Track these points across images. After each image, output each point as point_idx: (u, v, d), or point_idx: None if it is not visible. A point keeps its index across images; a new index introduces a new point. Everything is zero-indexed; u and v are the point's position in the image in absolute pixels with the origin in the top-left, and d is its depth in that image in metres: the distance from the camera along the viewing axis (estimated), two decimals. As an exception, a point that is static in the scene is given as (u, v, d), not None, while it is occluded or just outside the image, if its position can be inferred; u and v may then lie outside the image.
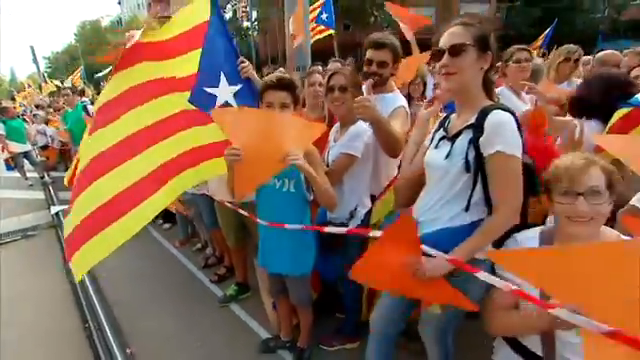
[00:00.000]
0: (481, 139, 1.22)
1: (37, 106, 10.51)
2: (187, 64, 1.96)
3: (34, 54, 24.67)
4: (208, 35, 1.95)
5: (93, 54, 42.37)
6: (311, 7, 6.48)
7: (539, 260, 0.96)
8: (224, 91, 2.00)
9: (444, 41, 1.30)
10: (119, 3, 58.44)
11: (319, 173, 1.69)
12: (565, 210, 1.14)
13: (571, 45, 3.41)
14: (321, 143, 1.99)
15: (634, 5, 23.40)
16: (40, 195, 6.86)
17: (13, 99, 18.08)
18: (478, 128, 1.23)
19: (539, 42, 7.30)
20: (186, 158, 2.01)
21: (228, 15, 29.00)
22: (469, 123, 1.28)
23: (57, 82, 18.86)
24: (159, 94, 1.94)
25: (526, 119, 1.90)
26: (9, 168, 8.10)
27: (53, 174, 8.15)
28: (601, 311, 0.86)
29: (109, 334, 2.61)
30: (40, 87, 19.98)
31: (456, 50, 1.25)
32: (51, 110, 9.52)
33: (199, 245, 3.96)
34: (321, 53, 6.70)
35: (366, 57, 1.98)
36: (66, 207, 5.24)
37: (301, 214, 1.88)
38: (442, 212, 1.35)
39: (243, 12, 27.90)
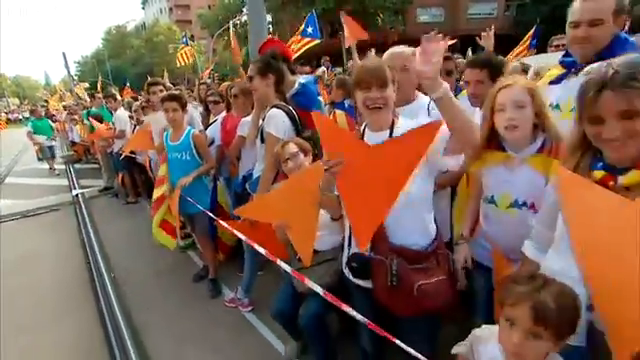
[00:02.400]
0: None
1: (65, 107, 11.97)
2: None
3: (65, 60, 26.57)
4: None
5: (118, 57, 44.86)
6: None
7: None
8: None
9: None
10: (143, 8, 61.13)
11: None
12: None
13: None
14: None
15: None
16: (64, 182, 8.08)
17: (47, 102, 19.96)
18: None
19: (524, 46, 7.66)
20: None
21: (244, 18, 30.07)
22: None
23: (86, 84, 20.55)
24: None
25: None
26: (39, 160, 9.92)
27: (77, 166, 9.60)
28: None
29: (105, 274, 3.55)
30: (71, 91, 21.70)
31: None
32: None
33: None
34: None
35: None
36: (85, 190, 6.39)
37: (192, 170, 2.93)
38: None
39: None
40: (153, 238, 3.24)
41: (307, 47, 6.94)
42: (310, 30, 6.75)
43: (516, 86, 1.41)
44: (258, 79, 2.33)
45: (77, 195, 6.51)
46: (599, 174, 0.98)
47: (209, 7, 43.58)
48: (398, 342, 1.20)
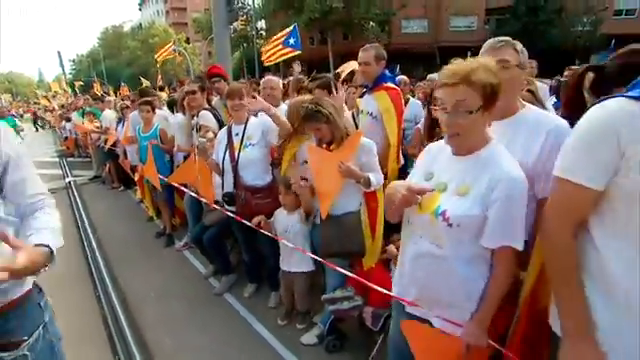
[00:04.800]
0: None
1: (62, 106, 13.03)
2: None
3: (60, 58, 27.54)
4: None
5: (114, 57, 45.88)
6: (280, 34, 7.68)
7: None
8: None
9: None
10: (140, 9, 62.20)
11: None
12: None
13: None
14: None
15: (613, 20, 24.53)
16: (59, 171, 9.16)
17: (45, 96, 20.83)
18: None
19: None
20: None
21: (235, 24, 31.23)
22: None
23: (80, 83, 21.58)
24: None
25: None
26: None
27: (70, 159, 10.65)
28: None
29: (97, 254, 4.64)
30: (66, 88, 22.69)
31: None
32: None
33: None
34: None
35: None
36: (76, 178, 7.49)
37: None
38: None
39: (242, 20, 29.62)
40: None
41: (286, 57, 7.48)
42: (292, 41, 7.21)
43: None
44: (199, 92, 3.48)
45: (69, 182, 7.60)
46: None
47: (205, 10, 44.89)
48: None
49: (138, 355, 2.47)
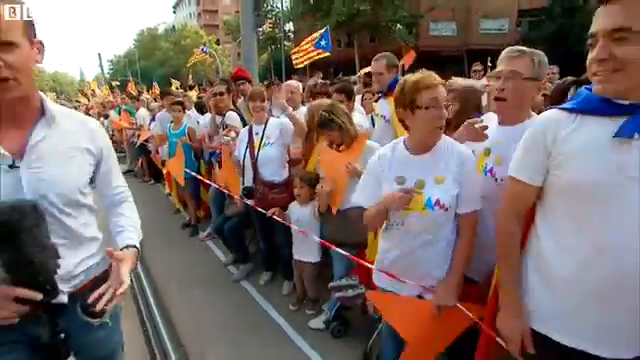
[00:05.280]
0: None
1: (101, 104, 13.91)
2: None
3: (100, 59, 29.22)
4: None
5: (148, 58, 47.95)
6: (312, 36, 7.93)
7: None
8: None
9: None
10: (174, 12, 64.66)
11: None
12: None
13: None
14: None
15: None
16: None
17: (84, 94, 22.17)
18: None
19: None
20: None
21: (264, 26, 31.95)
22: None
23: (117, 82, 22.82)
24: None
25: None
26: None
27: None
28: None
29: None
30: (107, 87, 24.08)
31: None
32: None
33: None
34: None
35: None
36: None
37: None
38: None
39: (270, 23, 30.16)
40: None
41: (316, 58, 7.68)
42: (323, 43, 7.45)
43: None
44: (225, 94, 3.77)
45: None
46: None
47: (235, 12, 46.14)
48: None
49: (163, 329, 2.77)
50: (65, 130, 1.15)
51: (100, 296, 1.09)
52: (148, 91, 13.10)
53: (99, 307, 1.08)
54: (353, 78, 9.32)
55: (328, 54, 7.53)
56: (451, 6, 26.11)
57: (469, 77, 6.23)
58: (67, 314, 1.16)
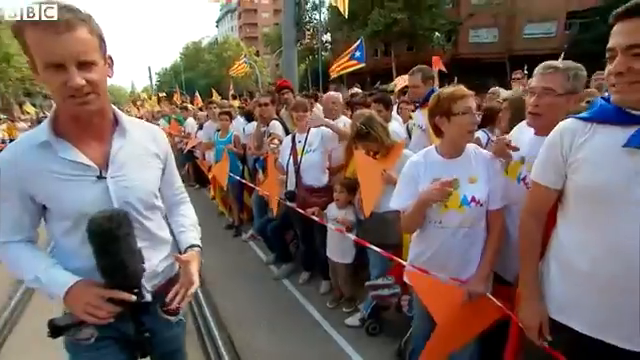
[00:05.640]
0: None
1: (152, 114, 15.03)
2: None
3: (150, 72, 31.40)
4: None
5: (192, 70, 50.64)
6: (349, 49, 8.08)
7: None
8: None
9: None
10: (217, 26, 67.97)
11: None
12: None
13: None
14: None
15: None
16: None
17: (134, 104, 23.92)
18: None
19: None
20: None
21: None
22: None
23: (163, 94, 24.43)
24: None
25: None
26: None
27: None
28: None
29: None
30: (150, 97, 25.80)
31: None
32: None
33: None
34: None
35: None
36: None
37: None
38: None
39: (308, 34, 30.80)
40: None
41: (351, 69, 7.86)
42: (358, 54, 7.60)
43: None
44: (270, 105, 4.07)
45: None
46: None
47: (274, 24, 47.76)
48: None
49: (210, 317, 3.03)
50: (136, 138, 1.21)
51: (175, 295, 1.18)
52: (191, 102, 13.97)
53: (174, 305, 1.17)
54: (390, 86, 9.42)
55: (363, 65, 7.65)
56: (493, 11, 25.48)
57: (510, 85, 6.12)
58: (149, 313, 1.22)
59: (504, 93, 4.31)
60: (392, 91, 7.98)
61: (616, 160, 1.05)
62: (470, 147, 1.72)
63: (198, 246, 1.33)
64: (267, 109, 4.00)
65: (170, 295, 1.18)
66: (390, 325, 2.76)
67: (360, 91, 7.39)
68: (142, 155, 1.21)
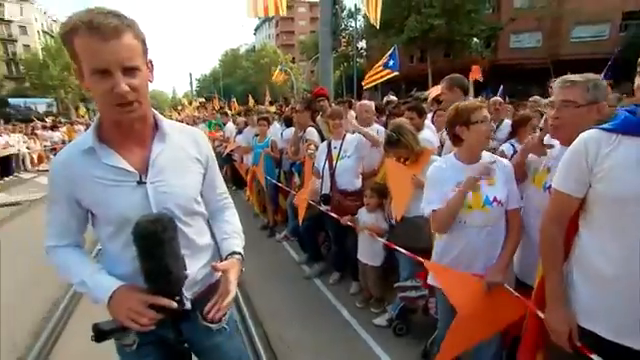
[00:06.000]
0: None
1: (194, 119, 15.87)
2: None
3: (191, 79, 33.02)
4: None
5: (230, 76, 52.55)
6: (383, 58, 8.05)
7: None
8: None
9: None
10: (255, 34, 70.20)
11: None
12: None
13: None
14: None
15: None
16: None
17: (175, 109, 25.20)
18: None
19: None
20: None
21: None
22: None
23: (202, 99, 25.58)
24: None
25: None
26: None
27: None
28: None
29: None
30: (191, 102, 27.13)
31: None
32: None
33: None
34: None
35: None
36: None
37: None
38: None
39: (344, 41, 30.96)
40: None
41: (385, 79, 7.82)
42: (391, 63, 7.59)
43: None
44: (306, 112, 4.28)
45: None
46: None
47: (310, 32, 48.63)
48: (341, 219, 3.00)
49: (246, 311, 3.24)
50: (176, 142, 1.18)
51: (214, 304, 1.16)
52: (229, 107, 14.62)
53: (212, 315, 1.14)
54: (425, 94, 9.37)
55: (396, 74, 7.64)
56: (536, 15, 24.45)
57: (549, 92, 5.94)
58: (189, 320, 1.22)
59: (544, 102, 4.27)
60: (426, 99, 7.95)
61: None
62: (485, 154, 1.90)
63: (239, 254, 1.30)
64: (302, 116, 4.21)
65: (208, 306, 1.16)
66: (417, 327, 2.83)
67: (394, 99, 7.49)
68: (182, 159, 1.19)
